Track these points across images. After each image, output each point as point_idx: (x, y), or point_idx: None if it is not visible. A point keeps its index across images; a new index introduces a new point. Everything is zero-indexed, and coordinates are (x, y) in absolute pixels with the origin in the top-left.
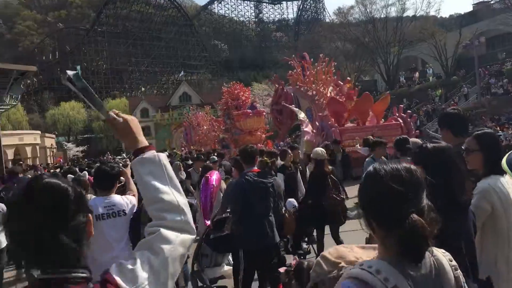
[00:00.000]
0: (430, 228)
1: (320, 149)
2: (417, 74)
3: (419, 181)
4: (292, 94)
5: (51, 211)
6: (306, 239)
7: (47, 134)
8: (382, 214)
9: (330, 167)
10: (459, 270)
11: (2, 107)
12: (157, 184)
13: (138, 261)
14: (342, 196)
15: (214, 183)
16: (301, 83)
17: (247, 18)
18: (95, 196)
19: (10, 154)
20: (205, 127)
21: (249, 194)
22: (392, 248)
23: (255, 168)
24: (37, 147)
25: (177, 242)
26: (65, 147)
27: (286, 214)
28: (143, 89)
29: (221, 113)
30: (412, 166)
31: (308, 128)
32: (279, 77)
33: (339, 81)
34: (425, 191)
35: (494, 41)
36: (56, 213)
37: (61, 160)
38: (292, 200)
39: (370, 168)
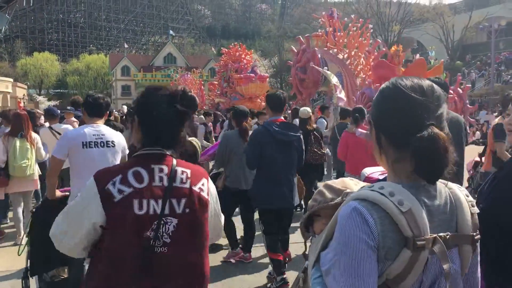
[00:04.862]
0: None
1: (306, 109)
2: (417, 56)
3: (441, 96)
4: (319, 56)
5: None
6: None
7: (19, 84)
8: (397, 127)
9: (314, 125)
10: (476, 207)
11: None
12: None
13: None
14: (323, 151)
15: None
16: (332, 45)
17: None
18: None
19: None
20: (193, 91)
21: (267, 145)
22: (403, 171)
23: (281, 118)
24: (8, 96)
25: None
26: (37, 100)
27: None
28: (126, 46)
29: (218, 76)
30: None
31: (341, 94)
32: (263, 49)
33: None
34: (445, 109)
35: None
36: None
37: (22, 108)
38: None
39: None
